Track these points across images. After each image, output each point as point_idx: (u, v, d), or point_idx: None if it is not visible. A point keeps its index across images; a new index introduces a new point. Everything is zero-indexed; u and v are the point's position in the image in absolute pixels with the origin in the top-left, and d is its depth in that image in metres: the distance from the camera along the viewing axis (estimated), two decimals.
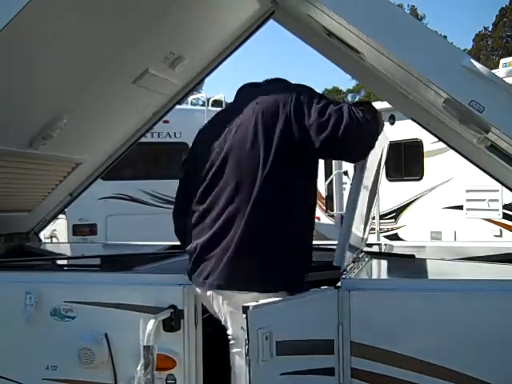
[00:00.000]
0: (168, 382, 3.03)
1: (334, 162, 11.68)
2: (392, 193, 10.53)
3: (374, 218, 10.83)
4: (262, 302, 2.50)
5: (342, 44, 3.64)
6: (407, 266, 3.64)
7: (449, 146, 4.53)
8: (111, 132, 4.73)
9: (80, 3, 3.20)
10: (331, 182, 11.76)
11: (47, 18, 3.12)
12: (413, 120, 4.49)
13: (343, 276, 2.87)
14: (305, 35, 4.28)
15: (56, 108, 3.89)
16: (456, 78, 2.65)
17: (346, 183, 11.55)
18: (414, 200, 10.09)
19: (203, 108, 11.76)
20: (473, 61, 2.61)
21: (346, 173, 11.52)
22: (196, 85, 4.91)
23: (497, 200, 8.53)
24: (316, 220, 12.56)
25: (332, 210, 11.74)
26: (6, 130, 3.71)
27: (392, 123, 10.33)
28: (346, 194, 11.57)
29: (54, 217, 5.32)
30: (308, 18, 3.66)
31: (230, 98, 3.10)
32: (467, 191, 8.93)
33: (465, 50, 46.06)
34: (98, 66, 3.74)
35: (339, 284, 2.80)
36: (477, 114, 2.61)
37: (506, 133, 2.66)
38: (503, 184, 4.44)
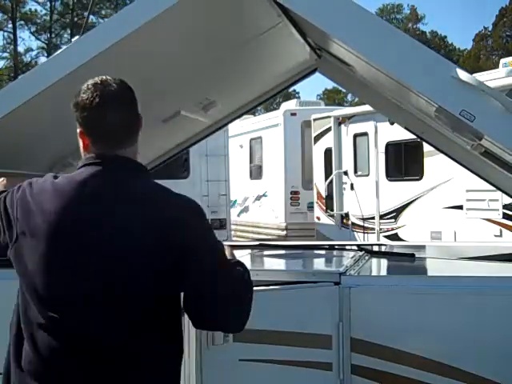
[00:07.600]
0: None
1: (333, 161, 11.69)
2: (392, 193, 10.53)
3: (373, 218, 10.84)
4: None
5: (334, 58, 3.65)
6: (407, 264, 3.65)
7: (443, 153, 4.55)
8: None
9: (128, 51, 3.09)
10: (331, 181, 11.75)
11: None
12: (406, 129, 4.53)
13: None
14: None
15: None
16: (446, 89, 2.66)
17: (345, 183, 11.54)
18: (414, 200, 10.08)
19: None
20: (461, 71, 2.62)
21: (346, 173, 11.52)
22: (224, 125, 5.01)
23: (497, 200, 8.52)
24: (316, 220, 12.52)
25: (332, 210, 11.72)
26: (28, 157, 3.70)
27: (392, 123, 10.33)
28: (345, 193, 11.57)
29: None
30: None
31: None
32: (467, 191, 8.92)
33: (465, 49, 46.13)
34: None
35: (340, 281, 2.82)
36: (468, 123, 2.62)
37: (498, 140, 2.69)
38: (498, 188, 4.45)
